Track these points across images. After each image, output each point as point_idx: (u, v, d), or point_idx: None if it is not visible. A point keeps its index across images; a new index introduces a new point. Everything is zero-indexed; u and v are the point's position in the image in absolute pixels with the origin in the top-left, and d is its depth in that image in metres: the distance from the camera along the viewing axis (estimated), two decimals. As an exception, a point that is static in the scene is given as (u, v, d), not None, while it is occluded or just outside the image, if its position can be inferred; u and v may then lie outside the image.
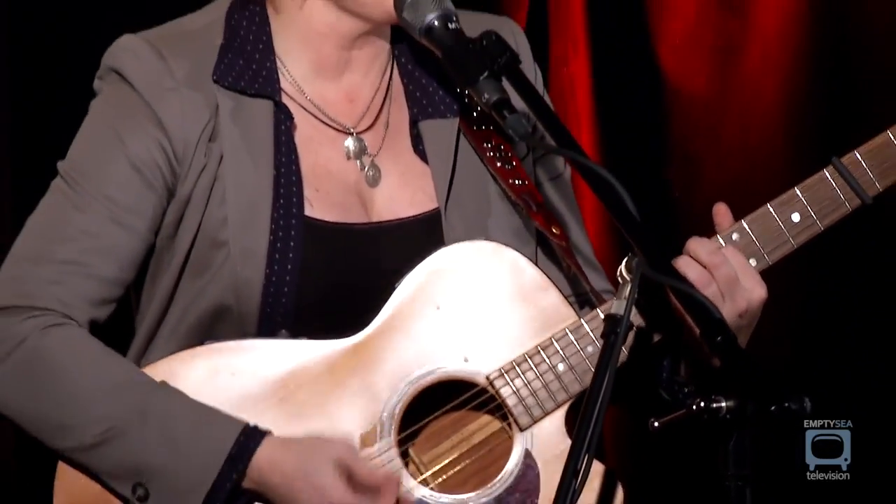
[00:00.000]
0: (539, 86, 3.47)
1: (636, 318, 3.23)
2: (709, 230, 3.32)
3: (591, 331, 3.25)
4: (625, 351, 3.20)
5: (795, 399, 2.85)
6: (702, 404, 2.84)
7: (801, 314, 4.96)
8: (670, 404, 3.27)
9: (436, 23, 3.21)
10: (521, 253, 3.30)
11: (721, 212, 3.33)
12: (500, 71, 3.16)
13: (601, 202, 3.03)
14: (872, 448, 4.69)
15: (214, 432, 3.16)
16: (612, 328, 2.85)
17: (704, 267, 3.23)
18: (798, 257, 4.08)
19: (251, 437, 3.15)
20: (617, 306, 2.87)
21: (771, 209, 3.30)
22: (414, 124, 3.40)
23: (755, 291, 3.25)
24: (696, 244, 3.24)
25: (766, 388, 2.85)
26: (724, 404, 2.85)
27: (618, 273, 3.07)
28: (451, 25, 3.20)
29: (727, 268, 3.23)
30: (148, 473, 3.16)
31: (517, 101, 3.18)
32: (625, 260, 3.04)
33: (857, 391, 4.92)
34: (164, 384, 3.19)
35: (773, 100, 4.98)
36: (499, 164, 3.38)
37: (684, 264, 3.24)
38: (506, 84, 3.19)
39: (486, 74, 3.15)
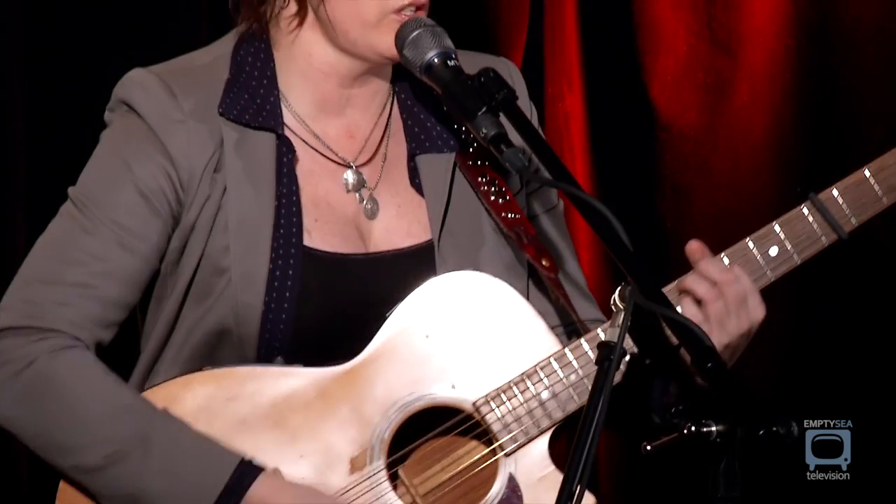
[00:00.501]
0: (534, 122, 3.48)
1: (629, 346, 3.23)
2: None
3: (575, 360, 3.25)
4: (618, 377, 3.21)
5: (783, 423, 2.86)
6: (692, 428, 2.85)
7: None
8: (662, 428, 3.27)
9: (436, 60, 3.21)
10: (512, 284, 3.31)
11: (695, 249, 3.32)
12: (498, 107, 3.17)
13: (595, 233, 3.04)
14: (872, 448, 4.66)
15: (213, 463, 3.17)
16: (606, 355, 2.85)
17: (715, 284, 3.24)
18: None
19: (247, 472, 3.16)
20: (610, 333, 2.88)
21: (750, 243, 3.31)
22: (411, 158, 3.40)
23: (757, 311, 3.26)
24: (707, 263, 3.26)
25: (755, 412, 2.85)
26: (714, 428, 2.85)
27: (611, 301, 3.06)
28: (451, 63, 3.21)
29: (738, 286, 3.25)
30: (146, 500, 3.17)
31: (515, 136, 3.19)
32: (618, 289, 3.02)
33: (857, 391, 4.86)
34: (165, 411, 3.20)
35: (760, 135, 4.99)
36: (493, 198, 3.39)
37: (693, 281, 3.26)
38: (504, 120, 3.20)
39: (484, 110, 3.16)
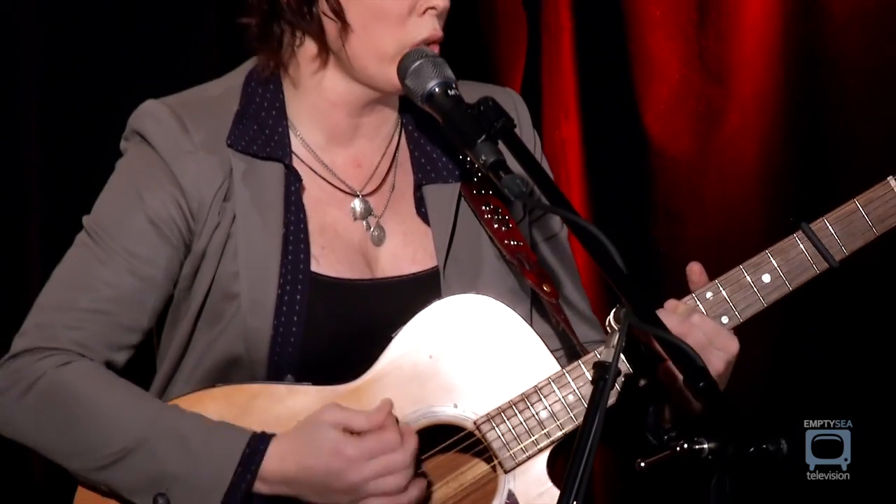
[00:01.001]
0: (538, 151, 3.49)
1: (624, 366, 3.23)
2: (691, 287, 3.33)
3: (573, 381, 3.25)
4: (613, 397, 3.21)
5: (772, 441, 2.86)
6: (685, 446, 2.85)
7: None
8: (656, 446, 3.27)
9: (436, 90, 3.21)
10: (516, 308, 3.31)
11: (695, 270, 3.33)
12: (497, 134, 3.17)
13: (591, 256, 3.04)
14: (872, 448, 4.59)
15: (226, 438, 3.19)
16: (601, 374, 2.85)
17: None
18: (828, 178, 4.03)
19: (260, 439, 3.18)
20: (605, 354, 2.88)
21: (743, 270, 3.31)
22: (418, 188, 3.40)
23: (728, 348, 3.25)
24: (666, 317, 3.17)
25: (745, 431, 2.85)
26: (706, 446, 2.85)
27: (606, 323, 3.09)
28: (451, 92, 3.21)
29: (698, 334, 3.23)
30: (168, 482, 3.18)
31: (514, 164, 3.19)
32: (613, 311, 3.05)
33: (857, 391, 4.78)
34: (174, 405, 3.23)
35: (750, 162, 4.99)
36: (496, 226, 3.39)
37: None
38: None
39: (483, 138, 3.16)
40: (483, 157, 3.14)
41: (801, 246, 3.31)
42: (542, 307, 3.39)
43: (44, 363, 3.23)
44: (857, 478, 4.36)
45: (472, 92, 3.27)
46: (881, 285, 4.85)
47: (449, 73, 3.23)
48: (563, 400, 3.25)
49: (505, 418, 3.25)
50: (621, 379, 3.23)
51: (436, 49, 3.26)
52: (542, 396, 3.25)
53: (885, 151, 4.80)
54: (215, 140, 3.31)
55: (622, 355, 3.00)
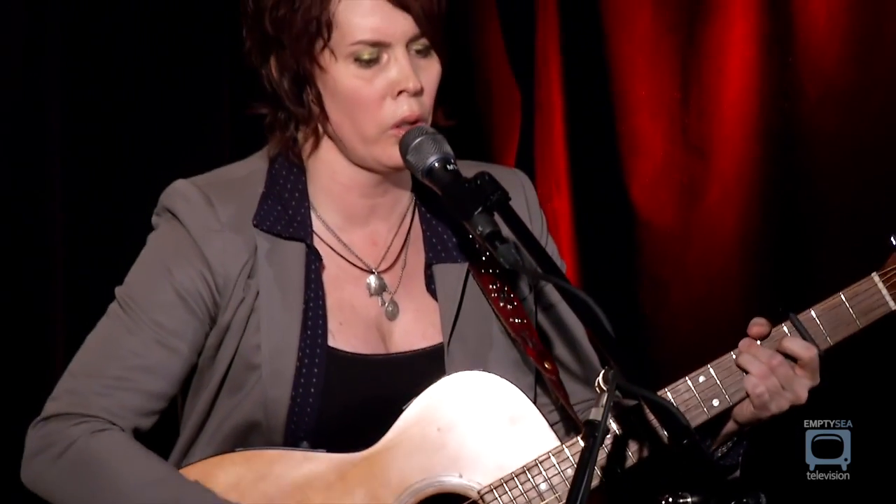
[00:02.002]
0: (544, 228, 3.51)
1: (615, 425, 3.24)
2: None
3: (571, 455, 3.24)
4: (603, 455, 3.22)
5: (752, 496, 2.87)
6: (670, 500, 2.85)
7: (819, 279, 4.81)
8: (643, 499, 3.27)
9: (436, 164, 3.21)
10: (520, 380, 3.32)
11: (759, 322, 3.31)
12: (493, 207, 3.15)
13: (581, 320, 3.07)
14: (872, 448, 4.50)
15: None
16: (591, 432, 2.87)
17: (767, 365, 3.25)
18: (803, 247, 3.94)
19: None
20: (595, 413, 2.89)
21: (733, 356, 3.28)
22: (428, 266, 3.39)
23: (800, 397, 3.26)
24: (749, 350, 3.24)
25: (726, 485, 2.85)
26: (689, 500, 2.86)
27: (595, 384, 3.07)
28: (450, 167, 3.21)
29: (772, 381, 3.24)
30: None
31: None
32: (602, 372, 3.04)
33: (857, 391, 4.64)
34: (196, 483, 3.21)
35: (730, 232, 4.99)
36: (502, 304, 3.38)
37: (747, 360, 3.26)
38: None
39: (480, 210, 3.14)
40: (480, 228, 3.13)
41: (790, 335, 3.29)
42: (543, 381, 3.39)
43: (75, 430, 3.22)
44: (857, 478, 4.25)
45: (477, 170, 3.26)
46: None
47: (448, 149, 3.23)
48: (561, 473, 3.24)
49: (507, 489, 3.24)
50: (613, 438, 3.23)
51: (419, 125, 3.26)
52: (542, 469, 3.24)
53: (856, 223, 4.81)
54: (241, 219, 3.32)
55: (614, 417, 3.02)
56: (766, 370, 3.25)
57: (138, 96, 4.65)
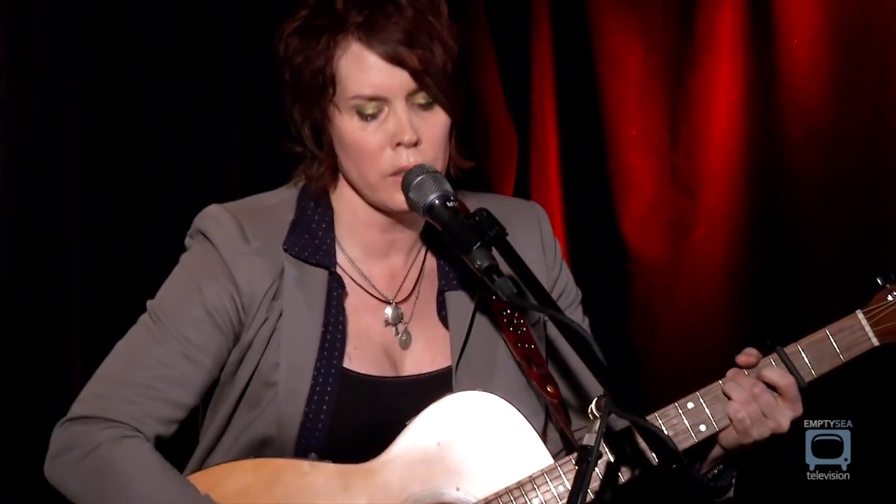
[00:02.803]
0: (558, 256, 3.54)
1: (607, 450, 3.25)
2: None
3: (564, 473, 3.26)
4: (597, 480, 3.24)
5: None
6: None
7: (802, 312, 4.79)
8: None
9: (436, 202, 3.22)
10: (526, 402, 3.34)
11: (748, 352, 3.33)
12: (490, 241, 3.16)
13: (575, 350, 3.06)
14: (872, 448, 4.32)
15: None
16: (584, 457, 2.89)
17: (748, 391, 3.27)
18: (786, 280, 3.87)
19: None
20: (588, 439, 2.90)
21: (721, 385, 3.30)
22: (441, 293, 3.42)
23: (782, 426, 3.29)
24: (735, 379, 3.27)
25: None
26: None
27: (589, 411, 3.07)
28: (450, 204, 3.22)
29: (753, 407, 3.26)
30: None
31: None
32: (595, 400, 3.05)
33: (857, 391, 4.40)
34: (207, 496, 3.23)
35: (717, 266, 4.99)
36: (511, 329, 3.40)
37: (731, 388, 3.28)
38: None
39: (478, 245, 3.15)
40: (478, 262, 3.13)
41: (775, 367, 3.31)
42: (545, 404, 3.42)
43: (101, 435, 3.25)
44: (857, 478, 4.01)
45: (498, 205, 3.32)
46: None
47: (447, 187, 3.25)
48: (553, 490, 3.26)
49: (501, 503, 3.26)
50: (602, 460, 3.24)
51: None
52: (535, 486, 3.26)
53: (836, 257, 4.81)
54: (270, 244, 3.35)
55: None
56: (747, 396, 3.27)
57: (153, 111, 4.66)
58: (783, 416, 3.28)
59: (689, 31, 4.98)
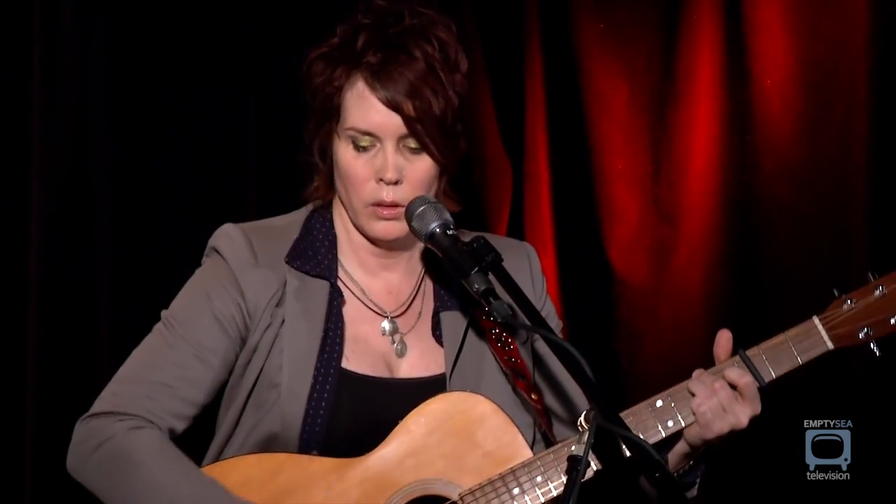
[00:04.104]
0: (544, 291, 3.57)
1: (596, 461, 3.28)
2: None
3: (542, 465, 3.28)
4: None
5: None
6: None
7: (774, 329, 4.77)
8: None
9: (437, 230, 3.26)
10: (512, 407, 3.36)
11: (725, 336, 3.37)
12: (487, 267, 3.20)
13: (566, 367, 3.08)
14: (872, 448, 4.33)
15: None
16: (573, 466, 2.91)
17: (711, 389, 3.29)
18: (760, 301, 3.82)
19: None
20: (577, 449, 2.92)
21: (687, 384, 3.33)
22: (436, 314, 3.46)
23: (741, 421, 3.28)
24: (695, 383, 3.29)
25: (684, 500, 2.88)
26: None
27: (578, 423, 3.12)
28: (449, 232, 3.26)
29: (713, 402, 3.28)
30: None
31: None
32: (583, 413, 3.07)
33: (857, 391, 4.51)
34: (215, 482, 3.26)
35: (697, 290, 4.99)
36: (499, 345, 3.44)
37: (695, 385, 3.30)
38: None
39: (476, 270, 3.19)
40: (476, 286, 3.17)
41: (736, 367, 3.34)
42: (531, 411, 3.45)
43: (117, 426, 3.28)
44: (857, 478, 4.10)
45: (493, 242, 3.28)
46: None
47: (448, 216, 3.29)
48: (531, 480, 3.28)
49: (484, 492, 3.28)
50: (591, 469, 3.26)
51: (395, 210, 3.31)
52: (516, 477, 3.29)
53: (805, 280, 4.82)
54: (275, 258, 3.40)
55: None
56: (708, 392, 3.30)
57: (174, 127, 4.69)
58: (742, 412, 3.30)
59: (671, 73, 5.01)
